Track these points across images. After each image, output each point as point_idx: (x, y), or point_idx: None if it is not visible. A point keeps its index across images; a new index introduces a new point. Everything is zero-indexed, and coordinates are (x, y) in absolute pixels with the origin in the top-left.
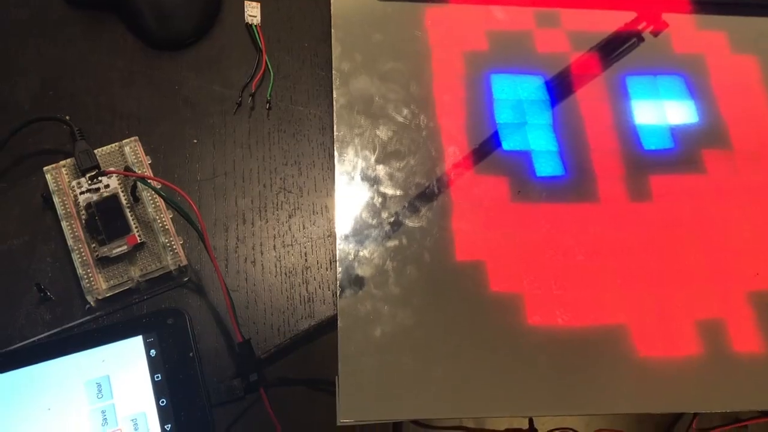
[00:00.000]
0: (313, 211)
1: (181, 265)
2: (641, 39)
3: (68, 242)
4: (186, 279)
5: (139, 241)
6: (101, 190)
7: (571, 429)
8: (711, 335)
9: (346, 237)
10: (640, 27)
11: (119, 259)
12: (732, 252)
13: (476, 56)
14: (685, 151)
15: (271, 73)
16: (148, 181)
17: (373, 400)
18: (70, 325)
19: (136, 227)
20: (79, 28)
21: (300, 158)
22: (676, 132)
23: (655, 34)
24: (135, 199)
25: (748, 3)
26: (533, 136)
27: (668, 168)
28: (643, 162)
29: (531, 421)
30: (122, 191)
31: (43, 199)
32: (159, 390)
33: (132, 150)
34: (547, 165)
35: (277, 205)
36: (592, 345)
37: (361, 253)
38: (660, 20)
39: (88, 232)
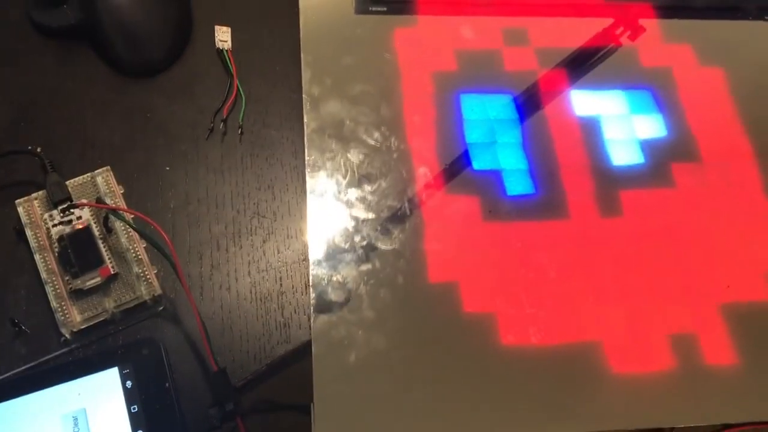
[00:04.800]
0: (288, 235)
1: (156, 294)
2: (608, 53)
3: (42, 275)
4: (161, 308)
5: (112, 273)
6: (73, 222)
7: None
8: (684, 349)
9: (320, 262)
10: (608, 39)
11: (93, 290)
12: (703, 265)
13: (445, 76)
14: (654, 166)
15: (243, 98)
16: (120, 213)
17: (349, 426)
18: (46, 358)
19: (109, 258)
20: (50, 57)
21: (273, 182)
22: (645, 146)
23: (623, 46)
24: (108, 230)
25: (711, 7)
26: (503, 155)
27: (638, 183)
28: (613, 177)
29: None
30: (95, 222)
31: (15, 232)
32: (136, 422)
33: (104, 180)
34: (517, 183)
35: (251, 230)
36: (566, 363)
37: (334, 278)
38: (626, 34)
39: (61, 265)
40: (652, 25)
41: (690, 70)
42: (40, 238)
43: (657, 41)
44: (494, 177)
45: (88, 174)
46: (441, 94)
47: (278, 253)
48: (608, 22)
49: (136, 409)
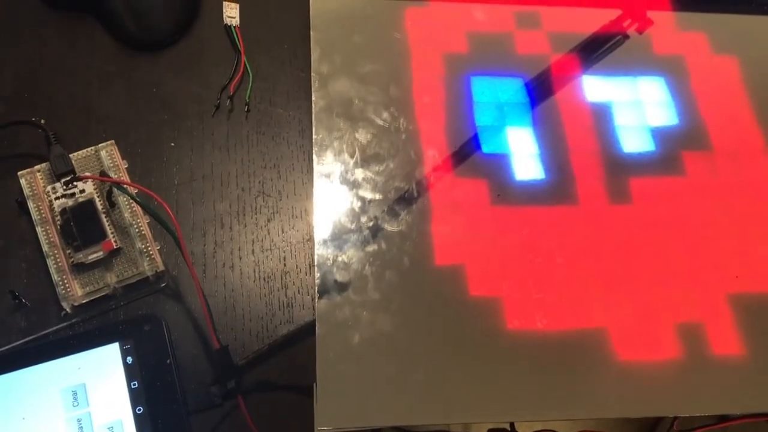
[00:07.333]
0: (293, 215)
1: (158, 270)
2: (621, 40)
3: (43, 248)
4: (163, 285)
5: (114, 247)
6: (76, 195)
7: (553, 431)
8: (691, 338)
9: (325, 242)
10: (620, 28)
11: (95, 265)
12: (712, 254)
13: (456, 58)
14: (665, 153)
15: (250, 75)
16: (124, 186)
17: (351, 407)
18: (46, 332)
19: (112, 233)
20: (55, 29)
21: (279, 161)
22: (656, 134)
23: (636, 34)
24: (111, 204)
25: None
26: (513, 139)
27: (648, 170)
28: (623, 164)
29: (512, 424)
30: (98, 196)
31: (17, 204)
32: (136, 397)
33: (108, 154)
34: (526, 168)
35: (255, 209)
36: (571, 349)
37: (339, 258)
38: (641, 21)
39: (64, 238)
40: (666, 13)
41: (703, 58)
42: (42, 211)
43: (671, 28)
44: (503, 161)
45: (92, 147)
46: (451, 75)
47: (283, 232)
48: (618, 12)
49: (137, 385)
